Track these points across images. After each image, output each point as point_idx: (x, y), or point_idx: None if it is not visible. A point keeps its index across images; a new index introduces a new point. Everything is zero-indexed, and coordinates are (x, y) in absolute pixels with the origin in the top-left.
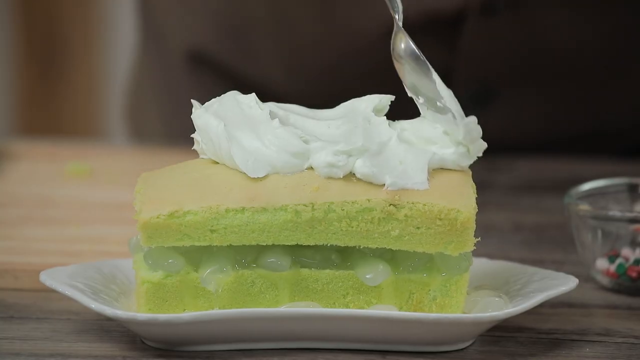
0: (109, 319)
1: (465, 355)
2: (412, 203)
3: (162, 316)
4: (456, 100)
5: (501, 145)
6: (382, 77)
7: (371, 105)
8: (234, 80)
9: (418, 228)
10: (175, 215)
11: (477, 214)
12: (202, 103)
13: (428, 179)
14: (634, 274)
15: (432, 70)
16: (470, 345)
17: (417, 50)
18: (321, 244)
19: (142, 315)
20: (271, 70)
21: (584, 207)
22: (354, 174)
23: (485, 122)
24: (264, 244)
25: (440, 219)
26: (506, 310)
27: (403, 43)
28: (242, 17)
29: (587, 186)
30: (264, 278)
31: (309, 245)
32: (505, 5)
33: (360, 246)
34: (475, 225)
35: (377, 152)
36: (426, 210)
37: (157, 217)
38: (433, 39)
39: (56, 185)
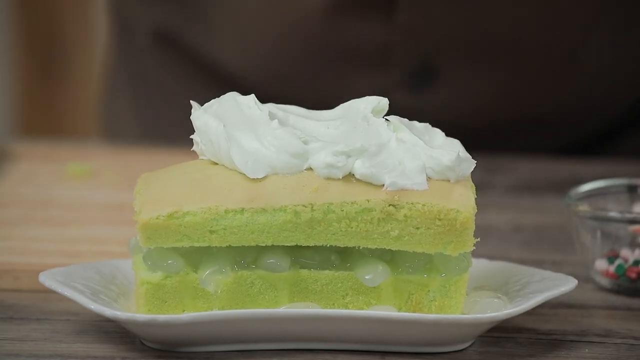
0: (108, 320)
1: (464, 356)
2: (412, 203)
3: (162, 317)
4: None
5: (442, 126)
6: (329, 53)
7: (370, 106)
8: (197, 61)
9: (417, 228)
10: (175, 216)
11: (476, 214)
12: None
13: (427, 180)
14: (633, 275)
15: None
16: (469, 346)
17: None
18: (320, 244)
19: (142, 316)
20: (228, 48)
21: (584, 207)
22: (353, 174)
23: (426, 101)
24: (264, 245)
25: (439, 219)
26: (505, 311)
27: None
28: None
29: (586, 187)
30: (263, 279)
31: (308, 246)
32: None
33: (359, 247)
34: (474, 226)
35: (376, 152)
36: (425, 210)
37: (157, 218)
38: (369, 12)
39: (56, 185)
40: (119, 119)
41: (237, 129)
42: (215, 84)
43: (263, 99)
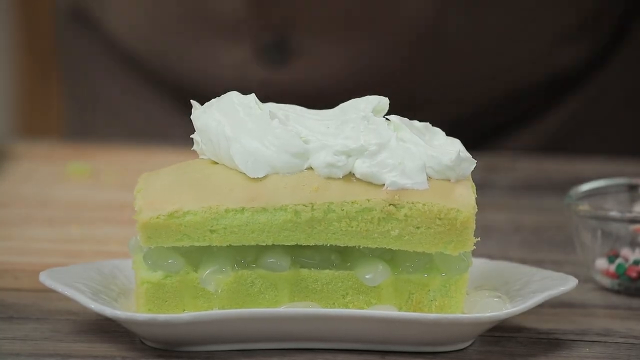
0: (108, 319)
1: (464, 355)
2: (412, 203)
3: (162, 316)
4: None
5: (302, 102)
6: (194, 24)
7: (370, 106)
8: (102, 36)
9: (418, 228)
10: (175, 216)
11: (476, 214)
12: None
13: (427, 179)
14: (633, 274)
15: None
16: (469, 345)
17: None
18: (321, 244)
19: (142, 315)
20: (120, 18)
21: (584, 207)
22: (353, 174)
23: (284, 76)
24: (264, 244)
25: (439, 219)
26: (506, 311)
27: None
28: None
29: (586, 186)
30: (263, 278)
31: (308, 246)
32: None
33: (360, 246)
34: (475, 225)
35: (377, 152)
36: (426, 210)
37: (157, 217)
38: None
39: (56, 185)
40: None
41: (237, 128)
42: (119, 59)
43: (149, 72)
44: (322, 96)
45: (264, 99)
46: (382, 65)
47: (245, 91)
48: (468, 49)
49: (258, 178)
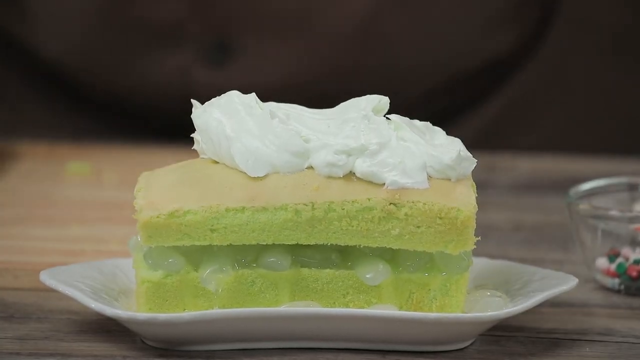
0: (109, 319)
1: (465, 354)
2: (412, 202)
3: (162, 316)
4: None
5: None
6: (132, 32)
7: (370, 105)
8: (18, 51)
9: (418, 227)
10: (176, 215)
11: (477, 213)
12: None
13: (428, 178)
14: (634, 274)
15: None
16: (470, 344)
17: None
18: (321, 243)
19: (142, 314)
20: (43, 33)
21: (584, 206)
22: (354, 173)
23: (228, 76)
24: (264, 244)
25: (440, 218)
26: (506, 310)
27: None
28: None
29: (587, 185)
30: (264, 277)
31: (309, 245)
32: None
33: (360, 245)
34: (475, 224)
35: (377, 151)
36: (426, 209)
37: (157, 217)
38: None
39: (56, 184)
40: None
41: (237, 128)
42: (37, 76)
43: (82, 86)
44: (270, 96)
45: (208, 100)
46: (323, 62)
47: (190, 95)
48: (404, 42)
49: (258, 177)
